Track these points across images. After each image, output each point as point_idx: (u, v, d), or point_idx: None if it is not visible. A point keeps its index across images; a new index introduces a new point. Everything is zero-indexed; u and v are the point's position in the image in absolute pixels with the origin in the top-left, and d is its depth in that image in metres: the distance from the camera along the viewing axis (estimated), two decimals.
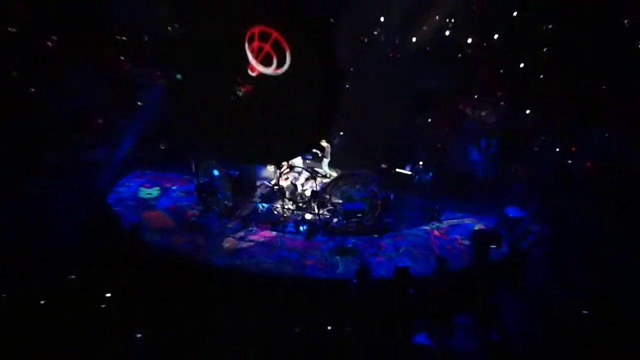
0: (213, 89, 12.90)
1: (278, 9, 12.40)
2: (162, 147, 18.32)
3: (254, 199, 16.21)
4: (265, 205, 15.92)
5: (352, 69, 19.02)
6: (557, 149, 16.35)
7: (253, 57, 12.56)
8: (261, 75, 12.70)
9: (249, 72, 12.75)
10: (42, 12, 17.27)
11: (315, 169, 16.51)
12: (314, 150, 16.75)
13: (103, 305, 10.77)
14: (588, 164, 15.83)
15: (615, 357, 9.50)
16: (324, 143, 16.58)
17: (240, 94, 12.66)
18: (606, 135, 15.82)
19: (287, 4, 12.55)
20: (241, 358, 9.55)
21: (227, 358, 9.61)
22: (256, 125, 13.02)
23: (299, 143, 13.99)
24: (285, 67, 12.41)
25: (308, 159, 17.12)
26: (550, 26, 16.88)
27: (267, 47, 12.38)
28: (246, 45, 12.50)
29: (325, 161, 16.77)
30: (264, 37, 12.31)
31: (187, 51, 13.08)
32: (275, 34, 12.23)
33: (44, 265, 11.68)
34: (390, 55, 18.99)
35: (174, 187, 17.04)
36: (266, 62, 12.50)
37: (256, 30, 12.33)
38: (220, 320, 10.47)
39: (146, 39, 18.73)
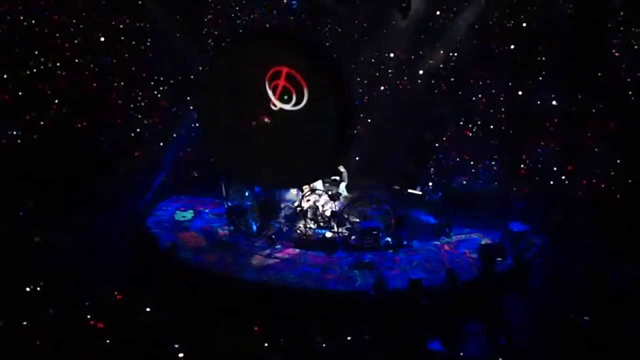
0: (239, 122, 12.92)
1: (296, 51, 12.42)
2: (195, 174, 18.40)
3: (279, 220, 16.14)
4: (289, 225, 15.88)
5: (365, 100, 19.03)
6: (555, 168, 16.09)
7: (273, 94, 12.55)
8: (282, 110, 12.69)
9: (271, 107, 12.74)
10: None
11: (336, 191, 16.47)
12: (333, 177, 16.73)
13: (143, 319, 10.69)
14: (584, 182, 15.57)
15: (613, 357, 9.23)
16: (341, 168, 16.56)
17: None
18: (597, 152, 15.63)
19: (305, 47, 12.59)
20: None
21: None
22: (279, 153, 13.01)
23: (319, 168, 13.94)
24: (304, 102, 12.38)
25: (327, 183, 17.06)
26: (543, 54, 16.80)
27: (286, 84, 12.37)
28: (267, 83, 12.50)
29: (343, 184, 16.72)
30: (283, 76, 12.30)
31: (216, 89, 13.15)
32: (293, 73, 12.23)
33: (92, 282, 11.66)
34: (400, 86, 18.96)
35: (206, 210, 17.07)
36: (286, 99, 12.49)
37: (276, 70, 12.34)
38: (248, 330, 10.34)
39: (180, 78, 18.99)
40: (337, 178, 16.73)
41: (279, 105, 12.52)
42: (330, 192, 15.98)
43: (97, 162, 17.08)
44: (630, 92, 15.59)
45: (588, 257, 12.83)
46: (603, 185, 15.23)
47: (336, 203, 15.77)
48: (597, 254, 12.84)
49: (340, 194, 16.50)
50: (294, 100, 12.41)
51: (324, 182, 16.95)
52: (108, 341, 9.53)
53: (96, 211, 15.54)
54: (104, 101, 17.84)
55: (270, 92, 12.52)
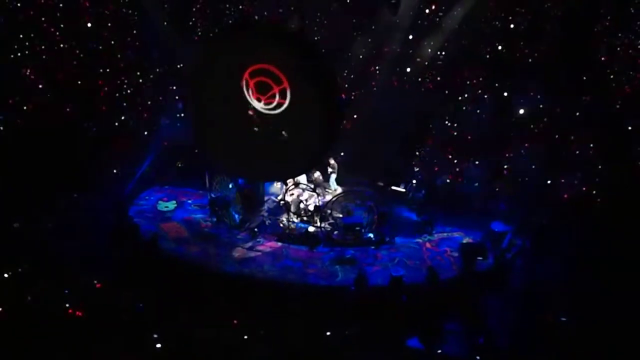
0: (223, 115, 12.81)
1: (280, 47, 12.24)
2: (179, 165, 18.27)
3: (262, 213, 16.09)
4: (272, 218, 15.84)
5: (353, 95, 19.00)
6: (538, 170, 16.20)
7: (254, 92, 12.31)
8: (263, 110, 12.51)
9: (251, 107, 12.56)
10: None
11: (324, 184, 16.48)
12: (324, 168, 16.72)
13: (122, 307, 10.61)
14: (566, 183, 15.70)
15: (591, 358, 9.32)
16: (331, 160, 16.55)
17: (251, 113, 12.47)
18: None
19: (289, 42, 12.41)
20: (246, 357, 9.36)
21: (234, 357, 9.42)
22: (264, 146, 12.93)
23: (303, 162, 13.89)
24: (286, 103, 12.16)
25: (315, 175, 17.03)
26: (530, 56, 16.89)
27: (268, 81, 12.16)
28: (247, 81, 12.26)
29: (333, 176, 16.70)
30: (266, 74, 12.11)
31: (201, 80, 13.02)
32: (276, 71, 12.03)
33: (73, 269, 11.56)
34: (387, 83, 18.94)
35: (189, 201, 16.96)
36: (268, 97, 12.28)
37: (258, 67, 12.16)
38: (228, 323, 10.30)
39: (167, 68, 18.82)
40: (328, 170, 16.71)
41: (258, 106, 12.27)
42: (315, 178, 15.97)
43: (81, 150, 16.89)
44: (614, 96, 15.73)
45: (568, 259, 12.90)
46: (584, 189, 15.32)
47: (320, 195, 15.76)
48: (577, 256, 12.92)
49: (330, 186, 16.52)
50: (276, 100, 12.19)
51: (314, 173, 16.94)
52: (86, 329, 9.48)
53: (79, 199, 15.38)
54: (89, 88, 17.60)
55: (249, 92, 12.29)
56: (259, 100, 12.05)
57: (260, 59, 11.93)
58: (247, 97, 12.11)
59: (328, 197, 16.09)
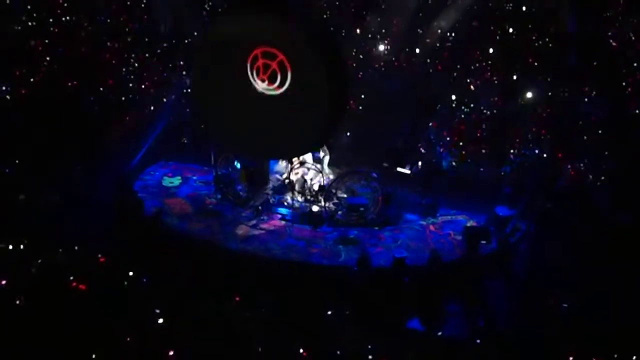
0: (229, 92, 12.72)
1: (285, 30, 12.07)
2: (185, 141, 18.23)
3: (267, 191, 16.08)
4: (276, 196, 15.82)
5: (360, 76, 18.86)
6: (544, 155, 16.10)
7: (259, 74, 12.17)
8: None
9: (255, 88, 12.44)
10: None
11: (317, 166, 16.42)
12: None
13: (126, 283, 10.64)
14: (572, 172, 15.59)
15: (591, 344, 9.32)
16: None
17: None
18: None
19: (294, 24, 12.22)
20: (247, 335, 9.40)
21: (234, 334, 9.47)
22: (270, 124, 12.87)
23: (309, 141, 13.83)
24: (287, 85, 12.04)
25: (316, 157, 16.97)
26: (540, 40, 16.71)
27: (272, 64, 12.04)
28: (251, 63, 12.11)
29: (326, 160, 16.61)
30: (270, 56, 11.97)
31: (208, 56, 12.91)
32: (281, 54, 11.88)
33: (77, 243, 11.58)
34: (395, 64, 18.79)
35: (194, 177, 16.92)
36: (270, 79, 12.15)
37: (262, 49, 12.01)
38: (231, 300, 10.34)
39: (174, 42, 18.69)
40: (321, 154, 16.62)
41: (262, 87, 12.16)
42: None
43: (87, 123, 16.89)
44: (624, 84, 15.57)
45: (572, 246, 12.88)
46: (591, 176, 15.23)
47: (324, 177, 15.73)
48: (581, 243, 12.90)
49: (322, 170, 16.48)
50: (278, 81, 12.06)
51: (313, 156, 16.86)
52: (89, 303, 9.51)
53: (84, 172, 15.40)
54: (96, 61, 17.53)
55: (254, 73, 12.16)
56: (262, 81, 11.97)
57: (265, 41, 11.82)
58: (251, 78, 12.04)
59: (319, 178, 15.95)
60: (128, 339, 8.87)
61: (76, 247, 11.16)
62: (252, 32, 11.97)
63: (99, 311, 9.23)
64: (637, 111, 15.31)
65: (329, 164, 16.76)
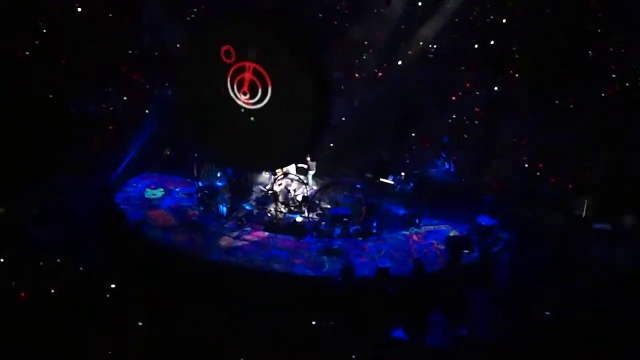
0: (212, 104, 12.70)
1: (265, 42, 12.07)
2: (168, 153, 18.17)
3: (250, 202, 16.06)
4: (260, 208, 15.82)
5: (343, 87, 18.94)
6: (526, 165, 16.28)
7: (240, 87, 12.16)
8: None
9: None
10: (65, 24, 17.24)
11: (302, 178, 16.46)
12: (300, 165, 16.68)
13: (107, 295, 10.57)
14: (553, 180, 15.77)
15: (573, 352, 9.42)
16: (308, 158, 16.50)
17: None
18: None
19: (274, 36, 12.23)
20: (231, 346, 9.37)
21: (220, 346, 9.44)
22: (253, 135, 12.87)
23: (292, 152, 13.86)
24: (267, 99, 12.06)
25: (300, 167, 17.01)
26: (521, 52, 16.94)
27: (253, 78, 12.03)
28: (232, 78, 12.13)
29: (311, 173, 16.66)
30: (248, 69, 11.99)
31: (191, 67, 12.91)
32: (259, 68, 11.91)
33: (57, 255, 11.50)
34: (378, 75, 18.90)
35: (177, 189, 16.88)
36: (251, 93, 12.14)
37: (243, 64, 12.02)
38: (214, 312, 10.31)
39: (156, 53, 18.64)
40: (306, 167, 16.67)
41: (242, 100, 12.19)
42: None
43: (69, 134, 16.75)
44: (603, 94, 15.83)
45: (552, 254, 13.01)
46: (571, 186, 15.41)
47: (308, 188, 15.77)
48: (562, 252, 13.03)
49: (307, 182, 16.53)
50: (259, 94, 12.08)
51: (297, 167, 16.89)
52: (71, 315, 9.45)
53: (65, 184, 15.26)
54: (78, 72, 17.42)
55: (235, 87, 12.16)
56: (244, 94, 11.99)
57: (245, 55, 11.84)
58: (232, 92, 12.05)
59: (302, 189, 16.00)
60: (109, 351, 8.83)
61: (58, 259, 11.11)
62: (232, 45, 11.99)
63: (80, 322, 9.17)
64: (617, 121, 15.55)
65: (314, 175, 16.82)
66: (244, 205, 15.68)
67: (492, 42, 17.32)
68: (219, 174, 15.91)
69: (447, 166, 17.09)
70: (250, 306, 10.87)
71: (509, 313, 11.46)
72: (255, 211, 15.66)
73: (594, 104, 15.79)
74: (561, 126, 15.94)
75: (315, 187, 16.38)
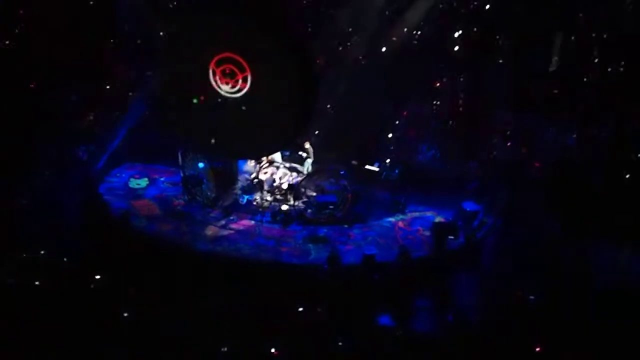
0: (194, 93, 12.60)
1: (247, 33, 11.96)
2: (152, 142, 17.99)
3: (236, 191, 16.00)
4: (246, 196, 15.73)
5: (327, 74, 18.84)
6: (510, 150, 16.36)
7: (222, 78, 12.05)
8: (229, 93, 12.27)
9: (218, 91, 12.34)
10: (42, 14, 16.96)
11: (298, 167, 16.42)
12: (300, 152, 16.64)
13: (92, 286, 10.50)
14: (536, 164, 15.86)
15: (558, 335, 9.51)
16: (307, 145, 16.46)
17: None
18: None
19: (256, 27, 12.12)
20: (218, 336, 9.35)
21: (205, 335, 9.42)
22: (238, 124, 12.83)
23: (277, 140, 13.84)
24: (248, 88, 11.94)
25: (286, 155, 16.94)
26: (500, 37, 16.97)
27: (235, 69, 11.94)
28: (214, 69, 12.02)
29: (309, 161, 16.62)
30: (232, 61, 11.89)
31: (173, 57, 12.78)
32: (240, 58, 11.81)
33: (41, 247, 11.39)
34: (363, 62, 18.85)
35: (161, 179, 16.78)
36: (234, 83, 12.04)
37: (224, 55, 11.91)
38: (200, 301, 10.29)
39: (139, 42, 18.44)
40: (304, 155, 16.62)
41: (225, 90, 12.08)
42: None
43: (50, 125, 16.54)
44: (585, 79, 15.93)
45: (538, 238, 13.11)
46: (554, 171, 15.49)
47: (293, 176, 15.75)
48: (547, 236, 13.14)
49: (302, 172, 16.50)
50: (239, 83, 11.98)
51: (289, 158, 16.86)
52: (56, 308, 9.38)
53: (48, 175, 15.11)
54: (59, 61, 17.18)
55: (217, 77, 12.05)
56: (227, 84, 11.92)
57: (227, 45, 11.75)
58: (215, 82, 11.96)
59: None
60: (96, 342, 8.77)
61: (42, 251, 11.02)
62: (214, 36, 11.89)
63: (66, 313, 9.11)
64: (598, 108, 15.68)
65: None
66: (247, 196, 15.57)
67: (474, 29, 17.32)
68: (203, 163, 15.79)
69: (432, 152, 17.15)
70: (237, 295, 10.85)
71: (494, 297, 11.55)
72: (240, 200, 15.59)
73: (577, 90, 15.89)
74: (543, 113, 16.04)
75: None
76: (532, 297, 10.75)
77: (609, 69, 16.01)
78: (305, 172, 16.35)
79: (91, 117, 17.58)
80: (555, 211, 13.95)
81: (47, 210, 13.62)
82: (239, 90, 11.89)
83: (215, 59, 11.87)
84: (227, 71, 11.89)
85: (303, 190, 15.52)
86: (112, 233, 13.20)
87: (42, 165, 15.38)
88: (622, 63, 15.74)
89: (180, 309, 10.18)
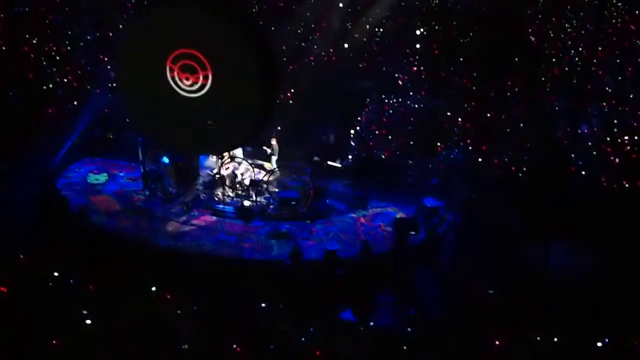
0: (154, 88, 12.39)
1: (206, 28, 11.82)
2: (111, 136, 17.72)
3: (197, 186, 15.87)
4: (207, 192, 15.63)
5: (290, 69, 18.85)
6: (470, 148, 16.58)
7: (180, 73, 11.89)
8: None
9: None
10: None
11: (264, 164, 16.38)
12: (264, 148, 16.60)
13: (50, 284, 10.27)
14: (495, 161, 16.11)
15: (516, 329, 9.71)
16: (273, 141, 16.44)
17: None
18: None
19: (215, 21, 11.97)
20: (178, 332, 9.26)
21: (166, 333, 9.31)
22: (199, 118, 12.68)
23: (238, 135, 13.73)
24: (209, 84, 11.82)
25: (248, 150, 16.87)
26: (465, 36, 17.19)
27: (194, 64, 11.80)
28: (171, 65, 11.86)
29: (274, 158, 16.60)
30: (189, 56, 11.76)
31: (133, 50, 12.55)
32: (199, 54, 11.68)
33: None
34: (325, 58, 18.89)
35: (121, 174, 16.51)
36: (193, 78, 11.90)
37: (182, 51, 11.76)
38: (161, 298, 10.15)
39: (97, 35, 18.09)
40: (269, 151, 16.58)
41: (185, 86, 11.93)
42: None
43: (6, 118, 16.10)
44: (544, 79, 16.27)
45: (497, 234, 13.34)
46: (514, 168, 15.77)
47: (255, 171, 15.72)
48: (506, 232, 13.39)
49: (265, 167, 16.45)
50: (200, 80, 11.85)
51: (254, 154, 16.81)
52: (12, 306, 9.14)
53: (3, 170, 14.70)
54: (15, 53, 16.73)
55: (175, 73, 11.89)
56: (187, 79, 11.77)
57: (185, 41, 11.59)
58: (173, 78, 11.79)
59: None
60: (54, 341, 8.58)
61: None
62: (173, 30, 11.72)
63: (23, 313, 8.88)
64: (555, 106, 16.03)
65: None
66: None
67: (437, 27, 17.52)
68: (164, 158, 15.61)
69: (393, 149, 17.29)
70: (198, 291, 10.76)
71: (454, 292, 11.73)
72: (202, 195, 15.46)
73: (533, 87, 16.21)
74: (503, 109, 16.31)
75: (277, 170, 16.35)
76: (491, 292, 10.95)
77: (566, 69, 16.37)
78: (269, 168, 16.35)
79: (49, 110, 17.13)
80: (514, 207, 14.19)
81: (2, 205, 13.25)
82: (201, 87, 11.74)
83: (175, 53, 11.68)
84: (187, 67, 11.73)
85: (265, 186, 15.49)
86: (70, 229, 12.93)
87: None
88: (579, 63, 16.10)
89: (140, 306, 10.05)
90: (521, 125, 16.07)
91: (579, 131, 14.80)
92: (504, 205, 14.30)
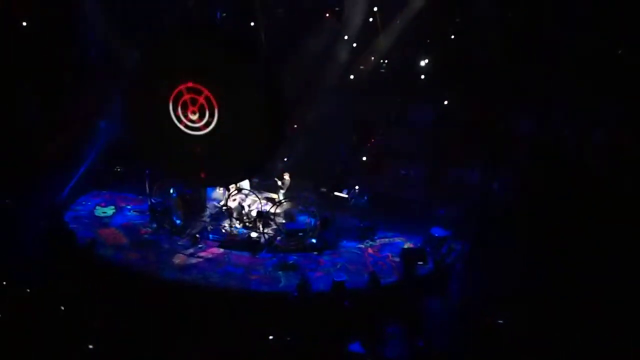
0: (161, 123, 12.50)
1: (211, 62, 11.96)
2: (119, 169, 17.81)
3: (204, 219, 15.89)
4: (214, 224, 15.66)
5: (297, 101, 18.98)
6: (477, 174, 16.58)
7: (186, 107, 11.99)
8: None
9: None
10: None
11: (272, 196, 16.43)
12: (276, 179, 16.74)
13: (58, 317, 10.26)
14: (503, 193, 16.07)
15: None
16: (286, 176, 16.52)
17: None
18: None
19: (222, 54, 12.13)
20: None
21: None
22: (206, 151, 12.77)
23: (246, 168, 13.80)
24: (215, 121, 11.92)
25: (254, 182, 16.94)
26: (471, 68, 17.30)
27: (199, 99, 11.94)
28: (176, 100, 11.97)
29: (282, 191, 16.65)
30: (195, 91, 11.87)
31: (142, 84, 12.71)
32: (204, 90, 11.81)
33: (4, 277, 11.11)
34: (331, 89, 19.03)
35: (128, 207, 16.56)
36: (199, 115, 12.01)
37: (188, 85, 11.88)
38: (170, 331, 10.12)
39: (106, 68, 18.30)
40: (280, 183, 16.63)
41: (189, 121, 12.03)
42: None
43: (14, 150, 16.23)
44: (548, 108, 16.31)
45: (505, 264, 13.25)
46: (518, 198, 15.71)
47: (262, 203, 15.75)
48: (514, 262, 13.29)
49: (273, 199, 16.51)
50: (206, 117, 11.95)
51: (261, 186, 16.87)
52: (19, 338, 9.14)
53: (11, 203, 14.77)
54: (24, 84, 16.94)
55: (179, 109, 11.99)
56: (194, 113, 11.89)
57: (193, 75, 11.74)
58: (177, 115, 11.92)
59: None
60: None
61: (4, 281, 10.75)
62: (182, 65, 11.88)
63: (30, 345, 8.88)
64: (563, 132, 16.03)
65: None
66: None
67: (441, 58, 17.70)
68: (171, 191, 15.67)
69: (401, 179, 17.32)
70: (207, 323, 10.71)
71: (463, 323, 11.61)
72: (209, 227, 15.48)
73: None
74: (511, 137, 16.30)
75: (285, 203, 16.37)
76: (500, 322, 10.85)
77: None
78: (276, 199, 16.40)
79: (57, 144, 17.28)
80: (523, 238, 14.10)
81: (11, 239, 13.29)
82: (207, 123, 11.86)
83: (183, 87, 11.84)
84: (194, 100, 11.86)
85: (272, 217, 15.50)
86: (77, 262, 12.93)
87: (7, 191, 15.01)
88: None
89: (148, 338, 10.01)
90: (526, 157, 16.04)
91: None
92: (513, 235, 14.22)
